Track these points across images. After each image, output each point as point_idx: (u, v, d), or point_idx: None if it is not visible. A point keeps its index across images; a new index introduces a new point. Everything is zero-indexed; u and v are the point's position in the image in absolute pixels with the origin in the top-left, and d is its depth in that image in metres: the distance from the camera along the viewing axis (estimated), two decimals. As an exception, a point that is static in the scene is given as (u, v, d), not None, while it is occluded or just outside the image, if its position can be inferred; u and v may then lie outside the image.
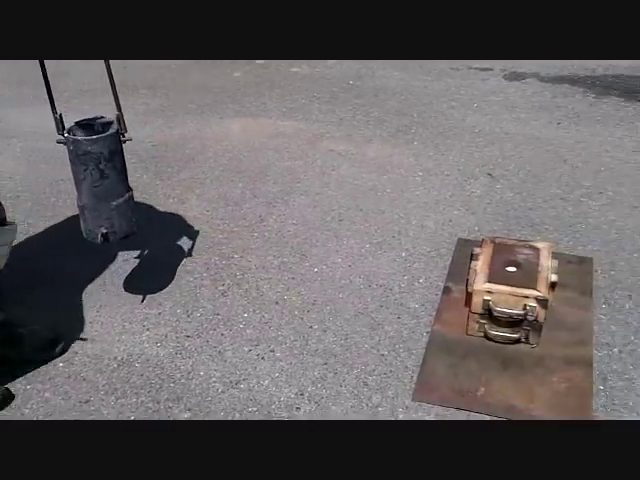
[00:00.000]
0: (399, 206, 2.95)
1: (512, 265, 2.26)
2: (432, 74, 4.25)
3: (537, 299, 2.12)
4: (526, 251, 2.32)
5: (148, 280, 2.58)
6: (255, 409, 2.05)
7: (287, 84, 4.27)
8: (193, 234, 2.82)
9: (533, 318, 2.15)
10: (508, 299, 2.16)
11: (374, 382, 2.12)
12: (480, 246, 2.37)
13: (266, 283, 2.55)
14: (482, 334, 2.22)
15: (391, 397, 2.07)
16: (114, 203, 2.07)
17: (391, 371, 2.16)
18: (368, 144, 3.46)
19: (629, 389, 2.03)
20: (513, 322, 2.17)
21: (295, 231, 2.83)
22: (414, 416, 2.00)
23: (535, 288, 2.14)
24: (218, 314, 2.42)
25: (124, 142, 2.07)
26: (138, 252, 2.73)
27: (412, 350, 2.23)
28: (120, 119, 2.05)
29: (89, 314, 2.43)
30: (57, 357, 2.24)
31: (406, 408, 2.03)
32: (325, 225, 2.85)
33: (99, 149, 1.98)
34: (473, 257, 2.31)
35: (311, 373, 2.16)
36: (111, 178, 2.04)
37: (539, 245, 2.34)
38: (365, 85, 4.17)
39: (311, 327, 2.33)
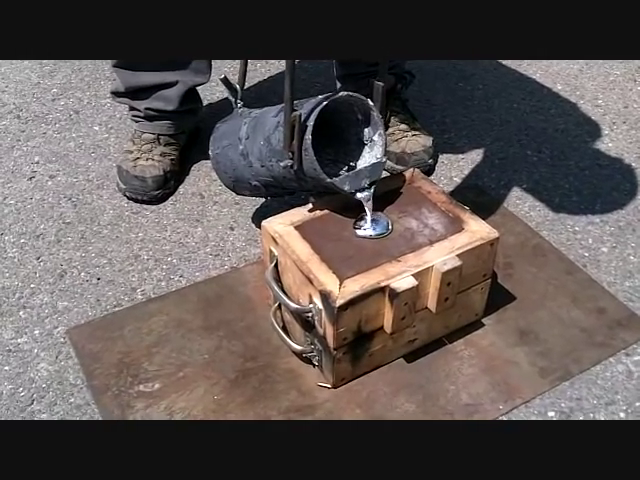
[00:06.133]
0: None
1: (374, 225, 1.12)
2: None
3: (322, 295, 1.00)
4: (434, 220, 1.13)
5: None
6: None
7: None
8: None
9: (321, 331, 1.04)
10: (294, 272, 1.07)
11: (81, 280, 1.29)
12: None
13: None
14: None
15: (69, 308, 1.23)
16: None
17: (112, 282, 1.29)
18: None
19: None
20: (305, 319, 1.09)
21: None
22: (24, 342, 1.16)
23: (341, 277, 1.02)
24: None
25: None
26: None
27: (179, 278, 1.30)
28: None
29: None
30: None
31: (42, 331, 1.19)
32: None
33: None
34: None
35: (52, 228, 1.40)
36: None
37: (469, 224, 1.12)
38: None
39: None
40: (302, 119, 1.05)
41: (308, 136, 1.06)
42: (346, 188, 1.11)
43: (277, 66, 1.91)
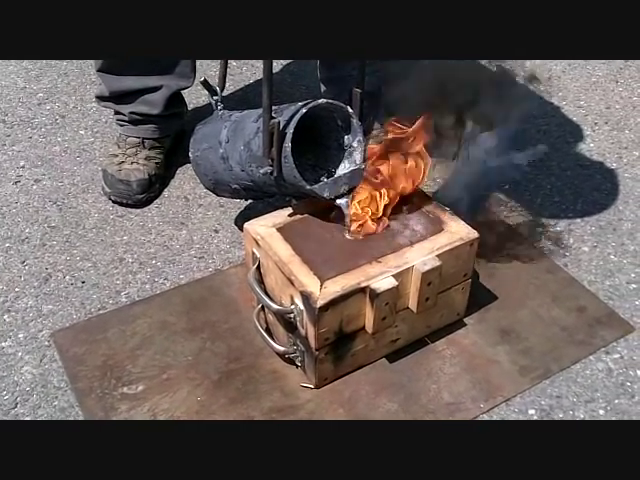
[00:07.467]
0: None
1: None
2: None
3: (303, 296, 1.01)
4: (414, 221, 1.14)
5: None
6: None
7: None
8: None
9: (303, 332, 1.05)
10: (276, 273, 1.08)
11: (65, 284, 1.29)
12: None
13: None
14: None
15: (53, 311, 1.24)
16: None
17: (96, 285, 1.29)
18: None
19: None
20: (287, 320, 1.10)
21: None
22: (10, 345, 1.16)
23: (322, 278, 1.03)
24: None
25: None
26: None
27: (163, 281, 1.31)
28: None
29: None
30: None
31: (27, 335, 1.19)
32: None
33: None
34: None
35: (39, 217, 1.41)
36: None
37: (449, 225, 1.13)
38: None
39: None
40: (281, 126, 1.06)
41: (287, 144, 1.06)
42: (325, 195, 1.12)
43: (262, 68, 1.91)
